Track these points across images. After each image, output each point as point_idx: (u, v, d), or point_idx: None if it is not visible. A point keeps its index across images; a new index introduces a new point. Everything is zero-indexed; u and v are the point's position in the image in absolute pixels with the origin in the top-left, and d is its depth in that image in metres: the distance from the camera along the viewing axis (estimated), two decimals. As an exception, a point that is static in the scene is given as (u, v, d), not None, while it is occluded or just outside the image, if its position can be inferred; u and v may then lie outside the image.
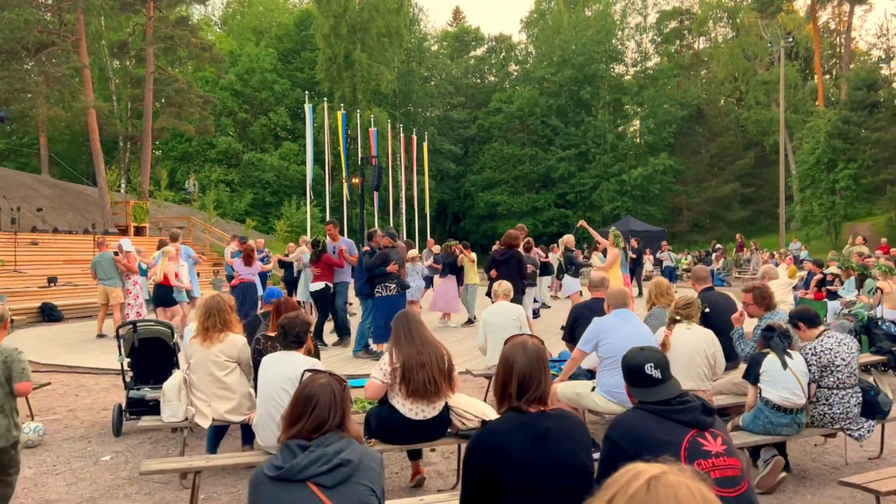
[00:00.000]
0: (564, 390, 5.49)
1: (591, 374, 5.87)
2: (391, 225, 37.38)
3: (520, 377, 2.48)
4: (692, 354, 5.22)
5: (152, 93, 28.92)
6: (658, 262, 27.45)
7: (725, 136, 52.03)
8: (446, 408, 4.60)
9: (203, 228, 28.63)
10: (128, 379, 6.64)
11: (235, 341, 5.25)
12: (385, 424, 4.54)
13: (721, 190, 49.82)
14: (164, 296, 11.35)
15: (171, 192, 31.93)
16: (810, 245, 35.73)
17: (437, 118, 53.16)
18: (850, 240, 41.36)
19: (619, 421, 2.71)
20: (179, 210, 32.67)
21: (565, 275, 11.83)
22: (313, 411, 2.35)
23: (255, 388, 5.20)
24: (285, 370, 4.31)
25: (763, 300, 5.68)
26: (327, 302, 10.76)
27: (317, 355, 5.73)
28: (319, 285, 10.76)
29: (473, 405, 4.72)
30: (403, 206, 38.22)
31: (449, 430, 4.64)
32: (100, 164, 25.99)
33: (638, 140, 47.83)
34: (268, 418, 4.32)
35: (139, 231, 25.77)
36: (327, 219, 31.67)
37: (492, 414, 4.70)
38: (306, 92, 34.65)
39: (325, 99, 34.31)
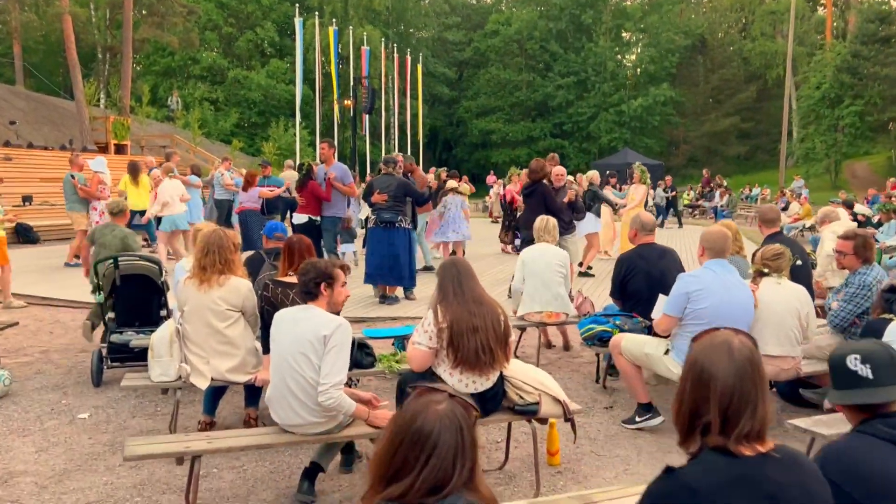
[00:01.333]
0: (630, 346, 4.67)
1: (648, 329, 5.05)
2: (382, 151, 36.13)
3: (724, 398, 1.56)
4: (783, 314, 4.40)
5: (132, 1, 27.02)
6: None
7: (727, 68, 50.51)
8: (501, 378, 3.76)
9: (187, 148, 27.27)
10: (108, 320, 5.76)
11: (239, 286, 4.36)
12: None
13: (720, 124, 48.67)
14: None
15: (153, 109, 30.31)
16: (809, 183, 34.95)
17: (431, 39, 51.05)
18: (849, 178, 40.82)
19: (836, 453, 1.87)
20: (162, 128, 31.15)
21: (586, 212, 10.90)
22: (428, 461, 1.48)
23: (262, 341, 4.37)
24: (305, 330, 3.44)
25: (864, 251, 4.84)
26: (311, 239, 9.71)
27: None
28: (302, 218, 9.24)
29: (530, 374, 3.89)
30: (396, 131, 36.90)
31: (504, 403, 3.81)
32: (77, 76, 24.38)
33: (639, 69, 46.11)
34: (284, 390, 3.47)
35: (120, 149, 24.41)
36: (317, 142, 30.52)
37: (553, 385, 3.88)
38: (296, 5, 32.67)
39: (316, 14, 32.46)
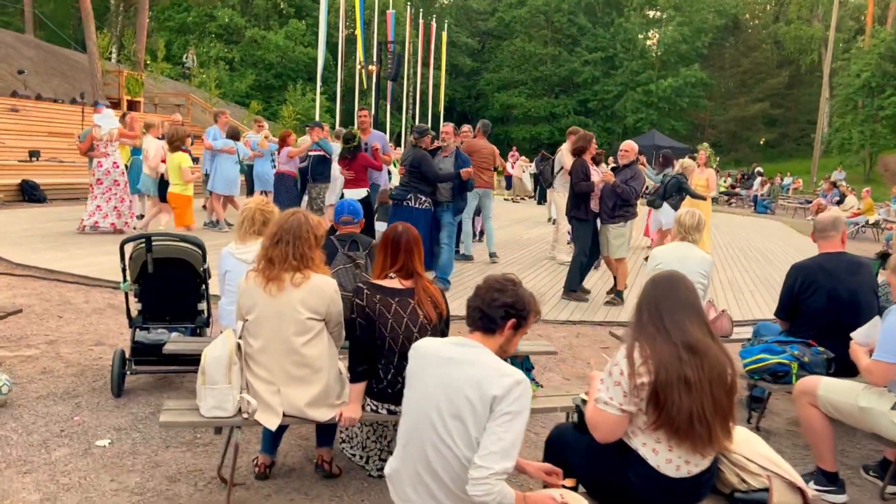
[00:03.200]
0: (833, 395, 3.48)
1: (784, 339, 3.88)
2: (403, 122, 34.80)
3: None
4: None
5: (150, -52, 25.58)
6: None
7: (759, 51, 48.89)
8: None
9: (203, 108, 26.01)
10: (134, 314, 4.60)
11: (323, 287, 3.20)
12: (609, 475, 2.55)
13: (749, 109, 47.23)
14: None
15: (167, 65, 28.96)
16: (841, 174, 33.60)
17: (455, 7, 49.38)
18: (881, 171, 39.38)
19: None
20: (176, 86, 29.84)
21: (664, 203, 9.65)
22: None
23: (351, 366, 3.22)
24: (463, 381, 2.29)
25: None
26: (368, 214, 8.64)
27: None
28: (361, 192, 8.55)
29: (755, 448, 2.73)
30: (418, 101, 35.51)
31: (718, 485, 2.66)
32: (90, 27, 23.00)
33: (670, 47, 44.47)
34: (419, 461, 2.33)
35: (132, 106, 23.13)
36: (337, 108, 29.14)
37: (785, 465, 2.72)
38: (321, -36, 31.16)
39: (342, -27, 30.93)
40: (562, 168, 10.33)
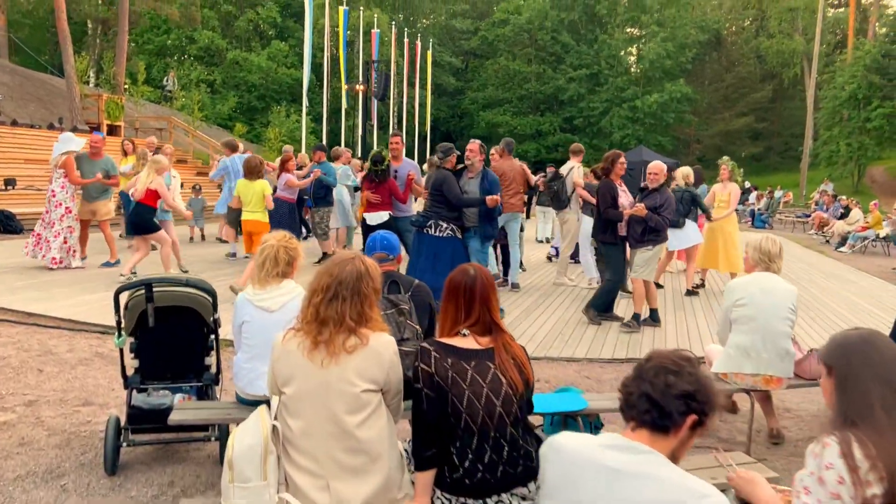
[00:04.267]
0: None
1: None
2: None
3: None
4: None
5: (129, -31, 24.92)
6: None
7: (743, 65, 49.03)
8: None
9: (185, 131, 25.25)
10: (130, 372, 3.90)
11: (381, 349, 2.53)
12: None
13: (733, 123, 47.22)
14: (141, 218, 8.35)
15: (147, 89, 28.20)
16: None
17: (438, 27, 49.10)
18: (869, 183, 39.36)
19: None
20: (157, 109, 29.04)
21: (685, 220, 9.09)
22: None
23: (414, 447, 2.54)
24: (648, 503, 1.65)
25: None
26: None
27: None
28: (381, 216, 8.05)
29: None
30: (404, 120, 34.97)
31: None
32: (68, 49, 22.22)
33: (654, 63, 44.37)
34: None
35: (112, 130, 22.32)
36: (323, 129, 28.52)
37: None
38: (304, -17, 30.69)
39: (326, -8, 30.42)
40: (574, 189, 9.77)
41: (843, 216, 19.27)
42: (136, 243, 8.43)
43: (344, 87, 28.82)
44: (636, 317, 7.13)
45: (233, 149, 10.86)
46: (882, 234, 16.03)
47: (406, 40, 33.54)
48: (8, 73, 24.71)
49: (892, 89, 34.86)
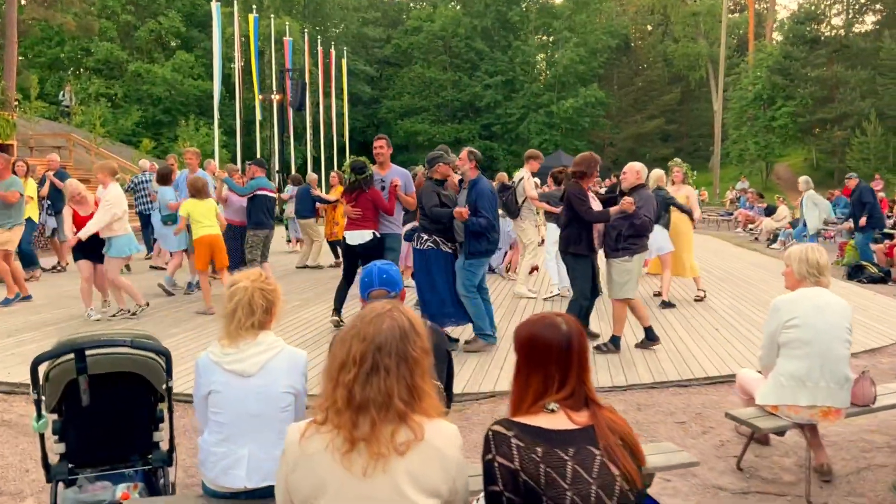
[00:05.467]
0: None
1: None
2: (308, 154, 33.14)
3: None
4: None
5: (16, -25, 22.91)
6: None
7: (652, 69, 50.26)
8: None
9: (86, 149, 23.44)
10: (54, 460, 2.98)
11: (445, 448, 1.79)
12: None
13: (645, 126, 48.27)
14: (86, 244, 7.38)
15: (42, 104, 26.09)
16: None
17: (350, 35, 48.10)
18: (774, 179, 40.93)
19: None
20: (53, 127, 26.91)
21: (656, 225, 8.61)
22: None
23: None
24: None
25: None
26: (368, 258, 7.17)
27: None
28: (364, 236, 7.09)
29: None
30: (322, 131, 33.86)
31: None
32: (-53, 62, 20.20)
33: (567, 69, 44.85)
34: None
35: (3, 149, 20.35)
36: (237, 143, 27.16)
37: None
38: (210, -10, 29.27)
39: (234, 1, 29.12)
40: (526, 198, 9.22)
41: (770, 213, 19.58)
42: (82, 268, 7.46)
43: (258, 97, 27.59)
44: (614, 339, 6.55)
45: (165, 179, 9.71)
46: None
47: (320, 48, 32.55)
48: None
49: (793, 89, 36.29)
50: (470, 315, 6.48)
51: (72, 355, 2.71)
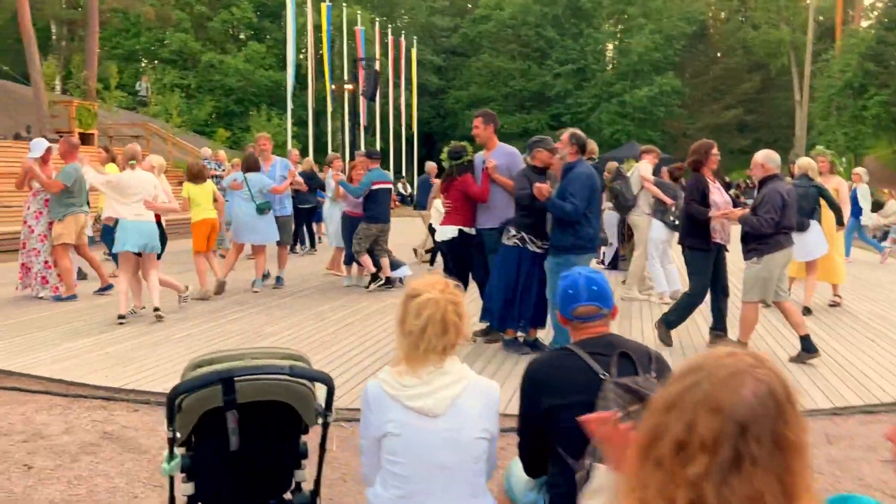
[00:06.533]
0: None
1: None
2: (376, 143, 32.84)
3: None
4: None
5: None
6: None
7: (730, 57, 48.24)
8: None
9: (163, 138, 23.59)
10: (181, 502, 2.47)
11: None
12: None
13: (722, 116, 46.37)
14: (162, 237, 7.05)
15: (121, 94, 26.44)
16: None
17: (419, 24, 47.64)
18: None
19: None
20: (131, 116, 27.30)
21: (810, 222, 7.58)
22: None
23: None
24: None
25: None
26: (462, 259, 6.54)
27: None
28: (450, 231, 6.41)
29: None
30: (391, 122, 33.51)
31: None
32: (33, 52, 20.49)
33: (643, 57, 43.38)
34: None
35: (85, 139, 20.58)
36: (309, 133, 26.98)
37: None
38: (283, -20, 29.15)
39: (305, -10, 28.97)
40: (642, 188, 8.47)
41: (878, 209, 18.20)
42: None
43: (329, 87, 27.37)
44: (743, 346, 5.83)
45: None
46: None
47: (390, 38, 32.14)
48: (-33, 81, 22.86)
49: (888, 76, 34.16)
50: (555, 324, 5.54)
51: (218, 382, 2.17)
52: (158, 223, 7.22)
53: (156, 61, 37.06)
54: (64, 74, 28.43)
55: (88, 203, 8.52)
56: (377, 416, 2.09)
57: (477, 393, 2.11)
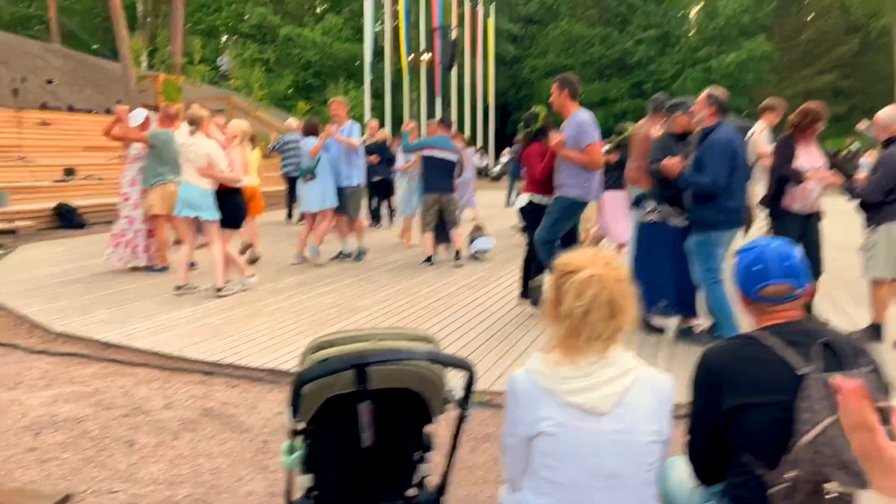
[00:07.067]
0: None
1: None
2: (452, 115, 32.45)
3: None
4: None
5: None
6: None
7: (825, 19, 45.43)
8: None
9: (245, 111, 23.83)
10: (296, 495, 2.24)
11: None
12: None
13: (814, 82, 43.79)
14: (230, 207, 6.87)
15: (205, 68, 26.89)
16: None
17: (495, -8, 46.73)
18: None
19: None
20: (215, 90, 27.75)
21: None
22: None
23: None
24: None
25: None
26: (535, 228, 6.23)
27: None
28: (522, 200, 6.32)
29: None
30: (467, 93, 33.04)
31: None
32: (121, 30, 20.95)
33: (730, 20, 41.31)
34: None
35: (171, 113, 21.00)
36: (382, 104, 26.80)
37: None
38: (360, -50, 28.88)
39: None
40: (758, 158, 7.85)
41: None
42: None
43: (404, 58, 27.09)
44: (873, 328, 5.29)
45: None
46: None
47: (467, 6, 31.55)
48: (62, 58, 23.63)
49: None
50: (710, 310, 5.10)
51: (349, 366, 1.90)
52: (232, 192, 6.88)
53: (236, 36, 37.57)
54: (150, 50, 29.11)
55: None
56: (527, 412, 1.79)
57: (648, 387, 1.78)
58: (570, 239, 6.11)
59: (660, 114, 6.44)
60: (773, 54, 42.33)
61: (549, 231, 5.95)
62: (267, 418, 3.88)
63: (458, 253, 8.61)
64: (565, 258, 1.84)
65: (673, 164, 4.99)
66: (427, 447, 2.30)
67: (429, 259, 8.45)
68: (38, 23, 33.92)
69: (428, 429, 2.29)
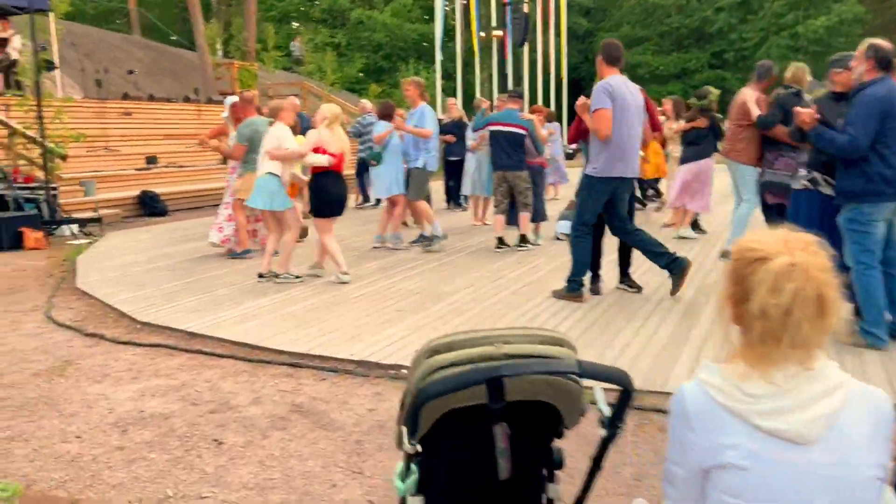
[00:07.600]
0: None
1: None
2: (524, 92, 31.74)
3: None
4: None
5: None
6: None
7: (923, -25, 42.39)
8: None
9: (319, 96, 23.87)
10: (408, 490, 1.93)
11: None
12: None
13: (912, 45, 41.03)
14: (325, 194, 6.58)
15: (278, 54, 27.06)
16: None
17: (565, -35, 45.48)
18: None
19: None
20: (288, 76, 27.93)
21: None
22: None
23: None
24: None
25: None
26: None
27: None
28: None
29: None
30: (539, 69, 32.23)
31: None
32: (198, 21, 21.27)
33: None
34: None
35: (246, 99, 21.20)
36: (453, 85, 26.38)
37: None
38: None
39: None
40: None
41: None
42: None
43: (475, 36, 26.56)
44: None
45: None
46: None
47: (538, -22, 30.69)
48: (142, 49, 24.19)
49: None
50: (857, 297, 4.44)
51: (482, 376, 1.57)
52: (326, 177, 6.61)
53: (307, 22, 37.75)
54: (225, 38, 29.51)
55: None
56: (704, 437, 1.42)
57: (863, 408, 1.39)
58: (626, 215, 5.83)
59: (765, 80, 5.93)
60: (866, 16, 39.79)
61: (577, 214, 5.72)
62: (359, 415, 3.63)
63: (523, 237, 8.13)
64: (749, 241, 1.46)
65: (807, 114, 4.46)
66: (556, 464, 1.96)
67: (500, 241, 8.03)
68: (119, 16, 34.94)
69: (557, 443, 1.95)
